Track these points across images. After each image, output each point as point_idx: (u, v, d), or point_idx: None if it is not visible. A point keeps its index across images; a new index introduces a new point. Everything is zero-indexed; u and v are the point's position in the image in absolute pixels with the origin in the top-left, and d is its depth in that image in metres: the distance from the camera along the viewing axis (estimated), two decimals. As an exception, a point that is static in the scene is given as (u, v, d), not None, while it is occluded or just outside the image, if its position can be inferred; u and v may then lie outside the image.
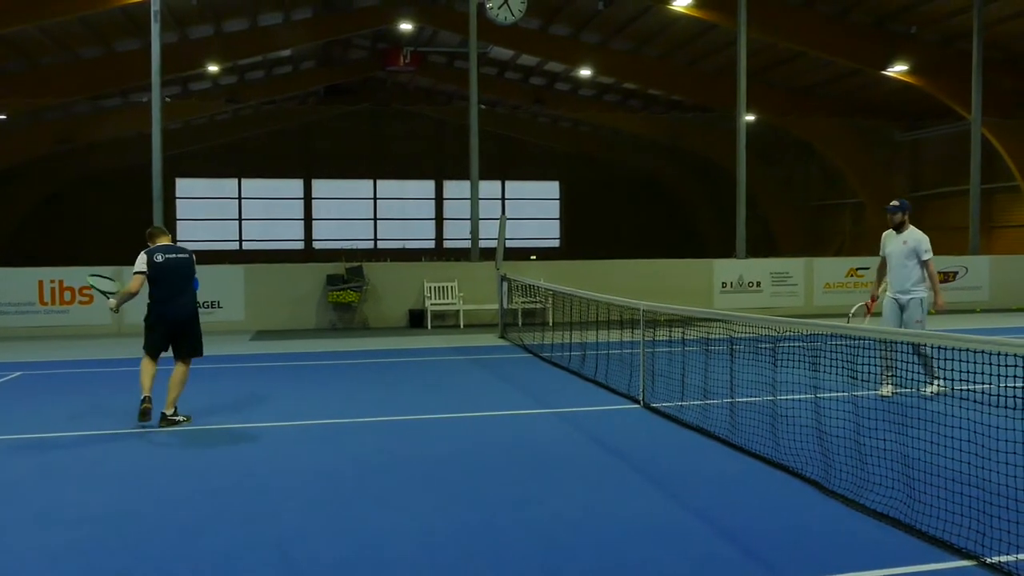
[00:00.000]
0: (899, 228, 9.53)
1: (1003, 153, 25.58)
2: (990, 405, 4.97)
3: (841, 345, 7.04)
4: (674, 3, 22.75)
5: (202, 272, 16.45)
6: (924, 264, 9.39)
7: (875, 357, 8.15)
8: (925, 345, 8.07)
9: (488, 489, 6.06)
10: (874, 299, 10.21)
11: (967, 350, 4.95)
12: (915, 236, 9.49)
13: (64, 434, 7.91)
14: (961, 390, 5.42)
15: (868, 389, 7.75)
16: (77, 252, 32.63)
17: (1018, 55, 25.11)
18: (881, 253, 9.75)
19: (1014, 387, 4.70)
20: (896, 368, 9.01)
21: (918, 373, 8.66)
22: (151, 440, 7.66)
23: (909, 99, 28.72)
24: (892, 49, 24.44)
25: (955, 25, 23.39)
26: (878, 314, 9.96)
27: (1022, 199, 26.39)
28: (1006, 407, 4.75)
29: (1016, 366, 4.68)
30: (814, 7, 24.00)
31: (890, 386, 8.96)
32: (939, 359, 8.62)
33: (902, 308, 9.40)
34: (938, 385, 8.76)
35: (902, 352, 8.64)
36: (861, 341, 6.93)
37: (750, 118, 21.73)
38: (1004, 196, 27.91)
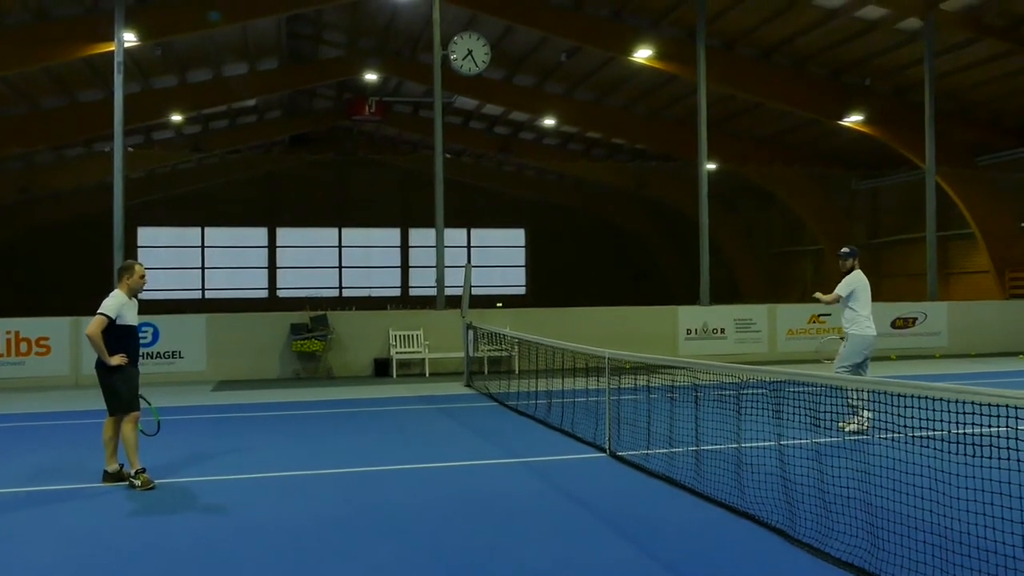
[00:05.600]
0: (848, 273, 9.99)
1: (957, 201, 26.18)
2: (950, 452, 5.02)
3: (803, 392, 7.09)
4: (635, 55, 23.20)
5: (163, 321, 16.42)
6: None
7: (838, 403, 8.29)
8: (851, 389, 8.32)
9: (453, 541, 5.98)
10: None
11: (927, 397, 5.01)
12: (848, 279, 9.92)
13: (18, 489, 7.70)
14: (921, 437, 5.47)
15: (831, 436, 7.80)
16: (35, 302, 32.09)
17: (969, 106, 25.86)
18: None
19: (973, 434, 4.76)
20: (860, 407, 9.23)
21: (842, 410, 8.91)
22: (108, 496, 7.48)
23: (866, 148, 29.39)
24: (847, 100, 25.11)
25: (908, 77, 24.10)
26: None
27: (977, 246, 26.96)
28: (966, 454, 4.81)
29: (974, 413, 4.74)
30: (771, 59, 24.61)
31: (855, 424, 9.16)
32: (898, 405, 8.78)
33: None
34: (857, 423, 9.05)
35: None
36: (823, 388, 6.98)
37: (712, 167, 22.08)
38: (960, 243, 28.52)
